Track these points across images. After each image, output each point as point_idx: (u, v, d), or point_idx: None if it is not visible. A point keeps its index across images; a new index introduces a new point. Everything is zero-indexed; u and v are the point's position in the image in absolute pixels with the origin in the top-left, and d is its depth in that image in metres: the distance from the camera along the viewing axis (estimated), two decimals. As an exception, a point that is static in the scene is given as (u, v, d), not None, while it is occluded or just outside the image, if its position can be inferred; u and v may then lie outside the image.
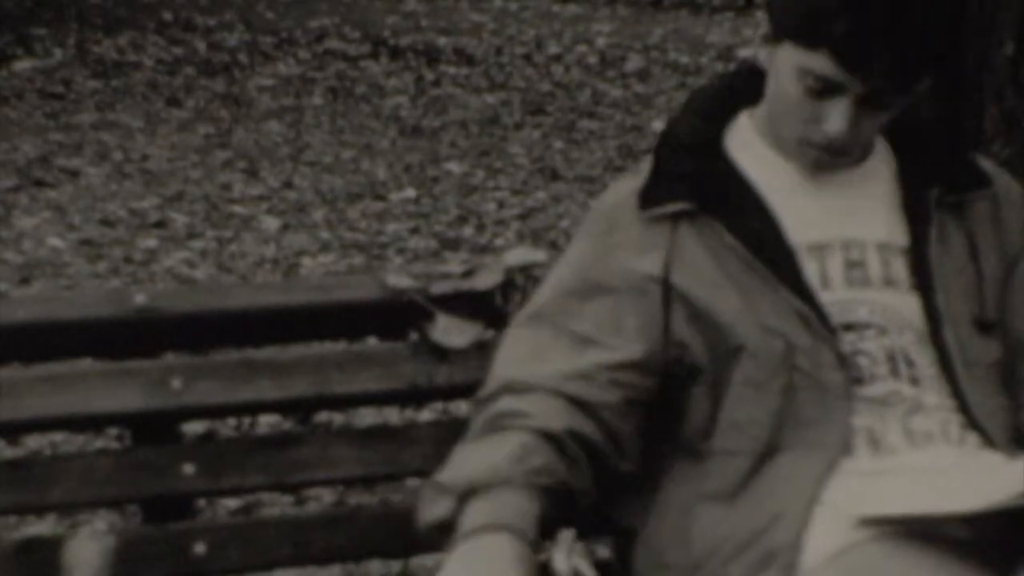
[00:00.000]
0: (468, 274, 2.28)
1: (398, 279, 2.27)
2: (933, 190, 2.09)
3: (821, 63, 1.99)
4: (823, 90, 2.01)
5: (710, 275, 2.04)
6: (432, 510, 1.92)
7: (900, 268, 2.07)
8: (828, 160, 2.07)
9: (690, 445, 2.05)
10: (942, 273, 2.07)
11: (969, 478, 1.93)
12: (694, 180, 2.08)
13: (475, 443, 1.99)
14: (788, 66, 2.02)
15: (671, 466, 2.06)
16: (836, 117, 2.01)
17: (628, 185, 2.14)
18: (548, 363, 2.03)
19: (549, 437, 1.96)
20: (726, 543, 1.98)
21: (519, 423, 1.96)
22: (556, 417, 1.97)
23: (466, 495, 1.90)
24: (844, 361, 2.00)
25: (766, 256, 2.03)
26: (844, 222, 2.08)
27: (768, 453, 2.01)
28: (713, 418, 2.03)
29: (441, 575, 1.85)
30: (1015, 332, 2.13)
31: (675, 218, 2.06)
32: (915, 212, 2.10)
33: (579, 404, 2.00)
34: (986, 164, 2.22)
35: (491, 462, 1.92)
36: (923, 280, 2.06)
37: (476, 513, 1.89)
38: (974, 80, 3.44)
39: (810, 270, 2.05)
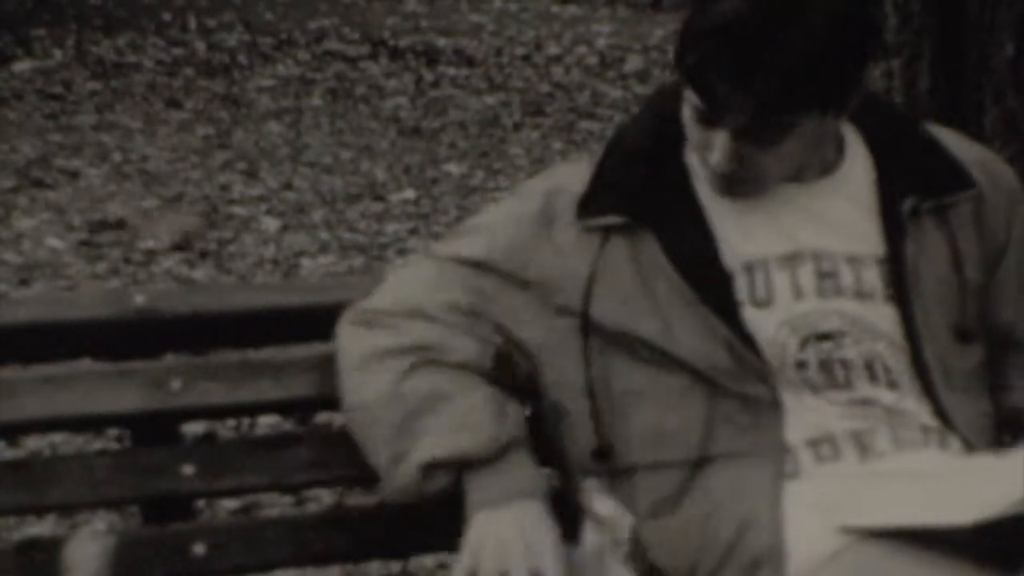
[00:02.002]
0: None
1: None
2: (908, 200, 2.05)
3: (690, 93, 1.97)
4: (701, 120, 1.98)
5: (632, 294, 2.03)
6: (432, 483, 2.01)
7: (874, 279, 2.04)
8: (728, 188, 2.02)
9: (584, 466, 2.05)
10: (921, 283, 2.04)
11: (963, 484, 1.91)
12: (633, 190, 2.05)
13: (431, 394, 2.02)
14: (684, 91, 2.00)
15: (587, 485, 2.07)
16: (715, 149, 1.97)
17: (575, 171, 2.11)
18: (443, 294, 2.08)
19: (484, 367, 2.05)
20: (701, 558, 1.98)
21: (448, 360, 2.04)
22: (473, 343, 2.05)
23: (465, 465, 2.00)
24: (768, 381, 1.99)
25: (695, 277, 2.01)
26: (814, 233, 2.05)
27: (701, 462, 2.00)
28: (618, 435, 2.03)
29: (478, 542, 1.97)
30: (1002, 323, 2.12)
31: (607, 230, 2.05)
32: (891, 222, 2.06)
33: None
34: (974, 152, 2.17)
35: (482, 430, 2.00)
36: (899, 291, 2.04)
37: (494, 482, 2.00)
38: (974, 80, 3.44)
39: (781, 281, 2.03)
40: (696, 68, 1.94)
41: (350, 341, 2.11)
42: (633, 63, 9.04)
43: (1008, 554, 1.83)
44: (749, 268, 2.03)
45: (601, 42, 9.60)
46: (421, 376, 2.04)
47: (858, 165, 2.10)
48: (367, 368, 2.08)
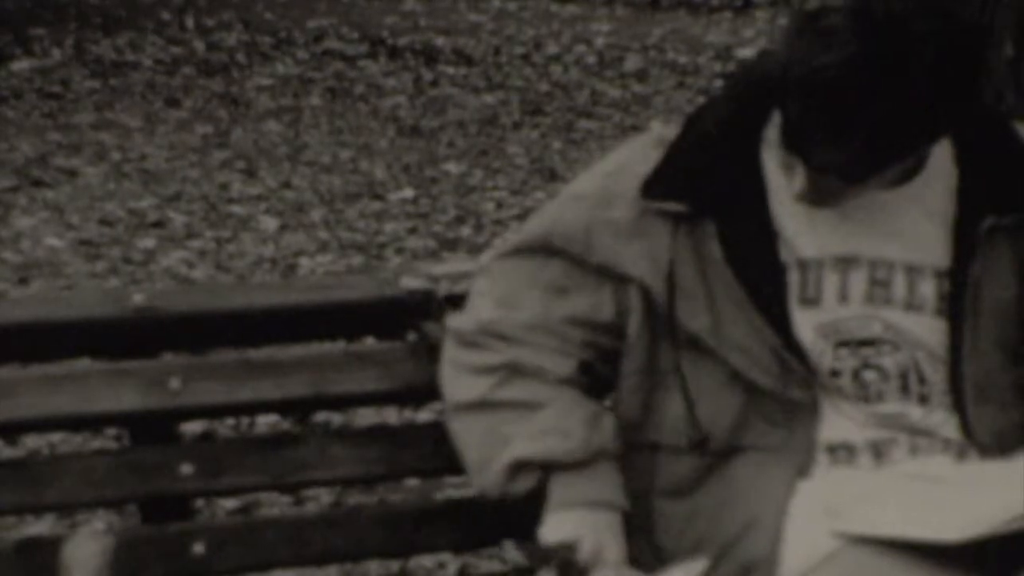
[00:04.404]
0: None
1: (411, 281, 2.26)
2: (986, 220, 2.00)
3: (780, 121, 1.94)
4: (786, 144, 1.94)
5: (691, 287, 2.01)
6: (518, 483, 2.03)
7: (928, 291, 2.01)
8: (805, 201, 1.99)
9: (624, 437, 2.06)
10: (979, 301, 2.00)
11: (966, 491, 1.91)
12: (700, 178, 2.01)
13: (523, 402, 2.04)
14: None
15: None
16: (796, 177, 1.94)
17: (640, 151, 2.07)
18: (522, 310, 2.07)
19: (579, 382, 2.05)
20: (703, 548, 1.98)
21: (540, 376, 2.04)
22: (564, 360, 2.05)
23: (551, 467, 2.01)
24: (811, 386, 1.99)
25: (748, 277, 1.99)
26: (876, 240, 2.01)
27: (728, 452, 2.00)
28: (653, 411, 2.04)
29: (548, 535, 2.00)
30: None
31: (676, 218, 2.02)
32: (963, 237, 2.00)
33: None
34: None
35: (573, 435, 2.01)
36: (953, 306, 2.00)
37: (578, 486, 2.01)
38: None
39: (831, 282, 2.00)
40: (793, 123, 1.89)
41: (448, 355, 2.12)
42: (632, 62, 9.04)
43: (1003, 558, 1.83)
44: (803, 266, 2.01)
45: (600, 41, 9.60)
46: (515, 386, 2.05)
47: (941, 173, 2.03)
48: (461, 378, 2.09)
